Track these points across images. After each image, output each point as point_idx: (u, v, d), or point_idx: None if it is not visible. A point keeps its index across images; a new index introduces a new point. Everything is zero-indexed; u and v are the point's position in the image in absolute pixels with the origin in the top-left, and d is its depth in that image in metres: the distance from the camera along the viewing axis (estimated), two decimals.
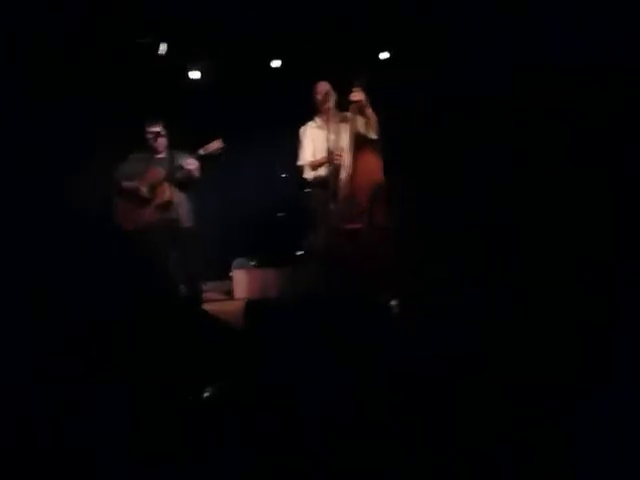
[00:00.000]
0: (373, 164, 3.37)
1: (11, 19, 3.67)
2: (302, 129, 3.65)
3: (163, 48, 4.86)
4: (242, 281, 4.81)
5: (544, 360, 1.86)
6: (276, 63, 5.32)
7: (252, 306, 2.05)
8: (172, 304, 3.11)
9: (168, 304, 2.98)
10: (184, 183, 3.57)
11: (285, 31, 4.84)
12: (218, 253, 5.11)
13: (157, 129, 3.62)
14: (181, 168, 3.48)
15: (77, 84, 4.23)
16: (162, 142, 3.64)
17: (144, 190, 3.49)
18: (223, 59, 5.15)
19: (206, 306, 3.74)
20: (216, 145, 3.49)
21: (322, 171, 3.48)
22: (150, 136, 3.60)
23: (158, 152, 3.65)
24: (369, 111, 3.40)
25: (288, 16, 4.56)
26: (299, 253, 4.63)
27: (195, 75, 5.25)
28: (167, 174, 3.49)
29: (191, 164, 3.44)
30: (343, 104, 3.51)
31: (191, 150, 3.66)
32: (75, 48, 4.16)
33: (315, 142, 3.56)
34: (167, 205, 3.49)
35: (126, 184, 3.53)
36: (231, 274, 4.93)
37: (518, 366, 1.84)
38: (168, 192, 3.48)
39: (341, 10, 4.43)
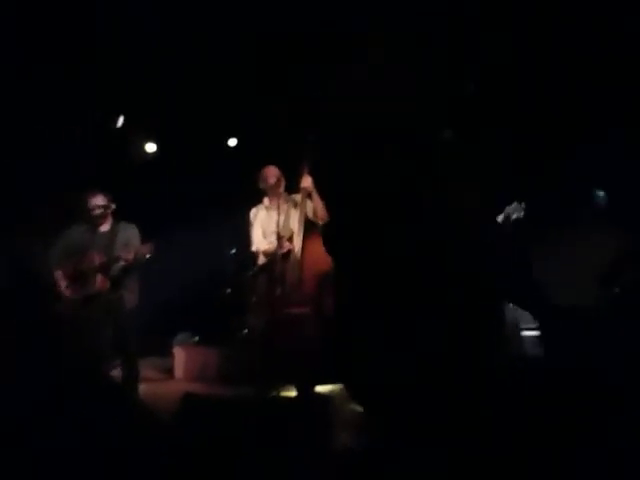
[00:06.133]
0: (321, 250, 3.40)
1: None
2: (252, 212, 3.69)
3: (120, 121, 4.93)
4: (182, 359, 4.65)
5: None
6: (232, 141, 5.47)
7: (189, 401, 1.98)
8: (104, 386, 2.95)
9: (99, 387, 2.83)
10: (125, 268, 3.39)
11: (241, 110, 5.01)
12: (161, 328, 4.96)
13: (100, 202, 3.46)
14: (118, 259, 3.30)
15: (31, 152, 4.20)
16: (105, 216, 3.50)
17: (70, 280, 3.34)
18: (180, 134, 5.25)
19: (143, 386, 3.59)
20: (145, 250, 3.29)
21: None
22: (93, 209, 3.43)
23: (100, 225, 3.51)
24: (316, 197, 3.49)
25: (245, 96, 4.75)
26: (244, 332, 4.55)
27: (151, 148, 5.31)
28: (100, 264, 3.31)
29: (129, 254, 3.24)
30: (292, 187, 3.61)
31: (137, 222, 3.56)
32: (31, 118, 4.15)
33: (264, 225, 3.59)
34: (96, 297, 3.31)
35: (57, 274, 3.37)
36: (173, 350, 4.77)
37: None
38: (99, 283, 3.29)
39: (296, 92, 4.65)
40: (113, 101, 4.80)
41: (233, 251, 5.23)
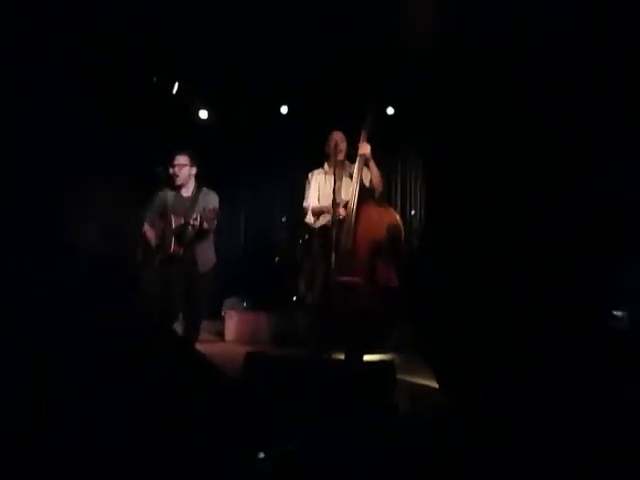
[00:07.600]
0: (376, 219, 3.37)
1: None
2: (310, 174, 3.69)
3: (175, 87, 4.98)
4: (233, 323, 4.76)
5: None
6: (284, 109, 5.45)
7: (251, 359, 2.03)
8: (166, 341, 3.07)
9: (161, 341, 2.94)
10: (198, 233, 3.41)
11: (295, 78, 4.97)
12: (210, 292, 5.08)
13: (183, 161, 3.48)
14: (188, 225, 3.32)
15: (92, 120, 4.29)
16: (185, 175, 3.50)
17: (155, 239, 3.45)
18: (232, 101, 5.26)
19: (198, 346, 3.69)
20: (210, 215, 3.29)
21: (324, 220, 3.48)
22: (176, 168, 3.46)
23: (183, 187, 3.52)
24: (372, 165, 3.45)
25: (299, 64, 4.70)
26: (294, 299, 4.61)
27: (203, 115, 5.35)
28: (176, 227, 3.37)
29: (195, 219, 3.25)
30: (350, 155, 3.58)
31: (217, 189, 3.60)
32: (90, 85, 4.23)
33: (321, 189, 3.60)
34: (171, 259, 3.39)
35: (143, 231, 3.50)
36: (223, 314, 4.88)
37: None
38: (174, 247, 3.37)
39: (352, 60, 4.56)
40: (168, 69, 4.85)
41: (284, 219, 5.27)
